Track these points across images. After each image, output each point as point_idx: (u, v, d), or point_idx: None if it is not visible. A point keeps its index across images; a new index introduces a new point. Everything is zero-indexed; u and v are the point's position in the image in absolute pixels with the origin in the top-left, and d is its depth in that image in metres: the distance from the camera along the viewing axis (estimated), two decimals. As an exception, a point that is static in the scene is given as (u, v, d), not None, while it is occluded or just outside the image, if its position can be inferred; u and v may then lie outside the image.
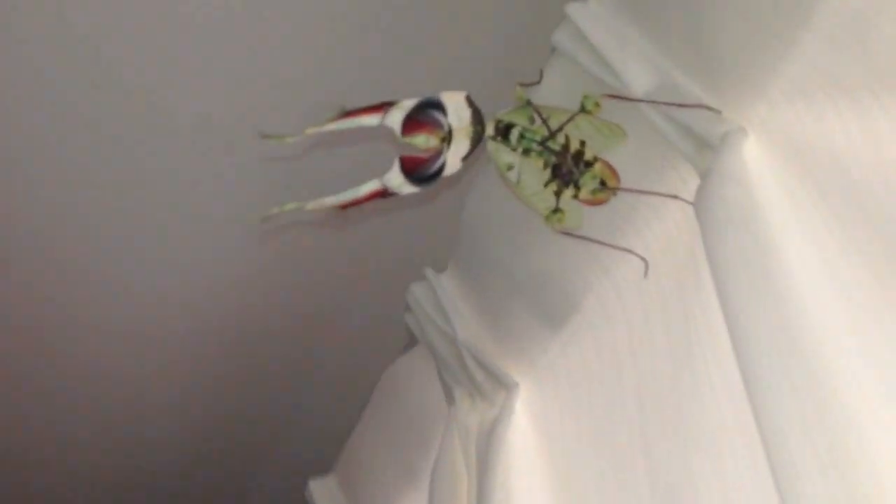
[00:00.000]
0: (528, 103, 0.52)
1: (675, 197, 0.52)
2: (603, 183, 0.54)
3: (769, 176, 0.48)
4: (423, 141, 0.48)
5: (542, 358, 0.68)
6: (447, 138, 0.49)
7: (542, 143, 0.52)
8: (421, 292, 0.76)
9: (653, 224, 0.56)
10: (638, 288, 0.58)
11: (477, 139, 0.51)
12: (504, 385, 0.70)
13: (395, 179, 0.48)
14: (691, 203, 0.51)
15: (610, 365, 0.59)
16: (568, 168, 0.54)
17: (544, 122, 0.53)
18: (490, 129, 0.52)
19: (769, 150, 0.49)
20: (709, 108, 0.51)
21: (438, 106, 0.48)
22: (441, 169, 0.50)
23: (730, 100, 0.51)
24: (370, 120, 0.46)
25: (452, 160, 0.50)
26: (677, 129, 0.52)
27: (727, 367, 0.45)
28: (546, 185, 0.54)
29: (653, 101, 0.52)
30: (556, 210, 0.54)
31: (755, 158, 0.49)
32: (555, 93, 0.58)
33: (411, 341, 0.84)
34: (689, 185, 0.53)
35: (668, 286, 0.55)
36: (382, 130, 0.46)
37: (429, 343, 0.77)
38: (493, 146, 0.53)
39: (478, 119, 0.50)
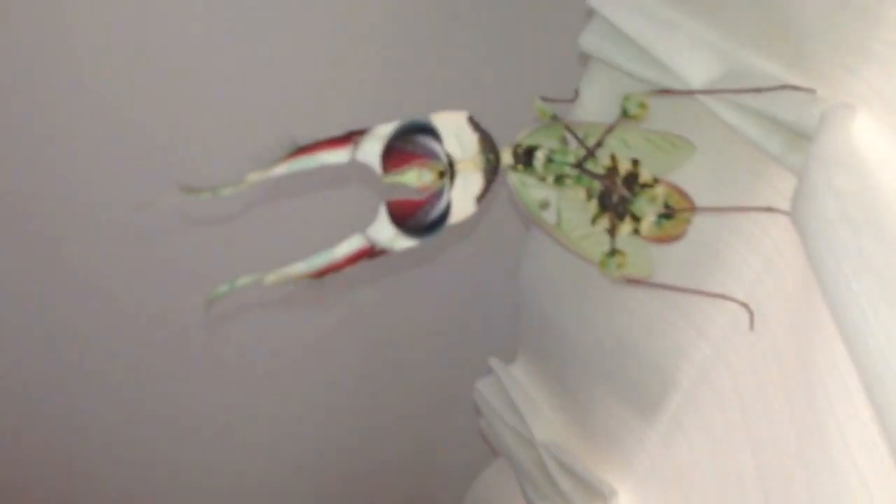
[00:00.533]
0: (555, 119, 0.40)
1: (770, 209, 0.39)
2: (669, 208, 0.41)
3: (890, 158, 0.34)
4: (415, 177, 0.37)
5: (640, 454, 0.53)
6: (448, 172, 0.38)
7: (579, 165, 0.40)
8: (489, 390, 0.64)
9: (747, 255, 0.42)
10: (744, 344, 0.44)
11: (492, 171, 0.39)
12: (598, 494, 0.55)
13: (384, 232, 0.37)
14: (791, 213, 0.37)
15: (723, 450, 0.44)
16: (619, 195, 0.41)
17: (579, 140, 0.41)
18: (507, 157, 0.40)
19: (886, 126, 0.35)
20: (797, 88, 0.38)
21: (429, 131, 0.37)
22: (446, 213, 0.38)
23: (821, 75, 0.38)
24: (336, 156, 0.36)
25: (462, 201, 0.38)
26: (758, 121, 0.39)
27: (870, 428, 0.31)
28: (594, 220, 0.42)
29: (719, 91, 0.39)
30: (613, 252, 0.41)
31: (868, 139, 0.35)
32: (595, 112, 0.46)
33: (495, 450, 0.71)
34: (783, 192, 0.39)
35: (780, 334, 0.40)
36: (356, 169, 0.35)
37: (506, 451, 0.63)
38: (515, 179, 0.41)
39: (488, 145, 0.39)
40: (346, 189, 0.41)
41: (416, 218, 0.37)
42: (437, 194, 0.38)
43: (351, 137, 0.36)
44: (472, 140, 0.38)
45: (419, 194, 0.37)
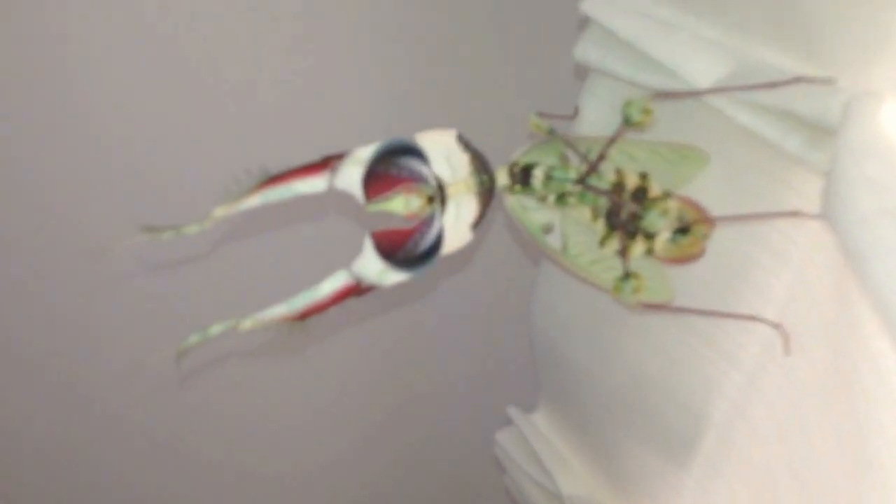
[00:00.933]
0: (552, 133, 0.37)
1: (796, 214, 0.35)
2: (684, 223, 0.37)
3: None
4: (402, 204, 0.33)
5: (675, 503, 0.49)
6: (438, 196, 0.34)
7: (581, 181, 0.37)
8: (509, 441, 0.59)
9: (775, 270, 0.38)
10: (780, 370, 0.40)
11: (487, 193, 0.36)
12: (634, 550, 0.50)
13: (371, 267, 0.34)
14: (820, 216, 0.33)
15: (765, 488, 0.40)
16: (629, 211, 0.37)
17: (580, 154, 0.37)
18: (503, 177, 0.36)
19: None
20: (814, 80, 0.35)
21: (414, 152, 0.34)
22: (438, 242, 0.34)
23: (840, 66, 0.35)
24: (312, 184, 0.32)
25: (455, 228, 0.35)
26: (773, 119, 0.36)
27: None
28: (603, 242, 0.38)
29: (728, 90, 0.36)
30: (627, 276, 0.37)
31: (899, 126, 0.32)
32: (597, 128, 0.43)
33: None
34: (807, 195, 0.36)
35: (818, 354, 0.36)
36: (335, 197, 0.32)
37: (532, 508, 0.58)
38: (513, 201, 0.37)
39: (481, 165, 0.36)
40: (324, 221, 0.37)
41: (405, 249, 0.34)
42: (428, 222, 0.34)
43: (327, 163, 0.32)
44: (462, 161, 0.35)
45: (407, 223, 0.34)
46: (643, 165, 0.39)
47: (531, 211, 0.38)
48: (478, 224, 0.36)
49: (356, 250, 0.33)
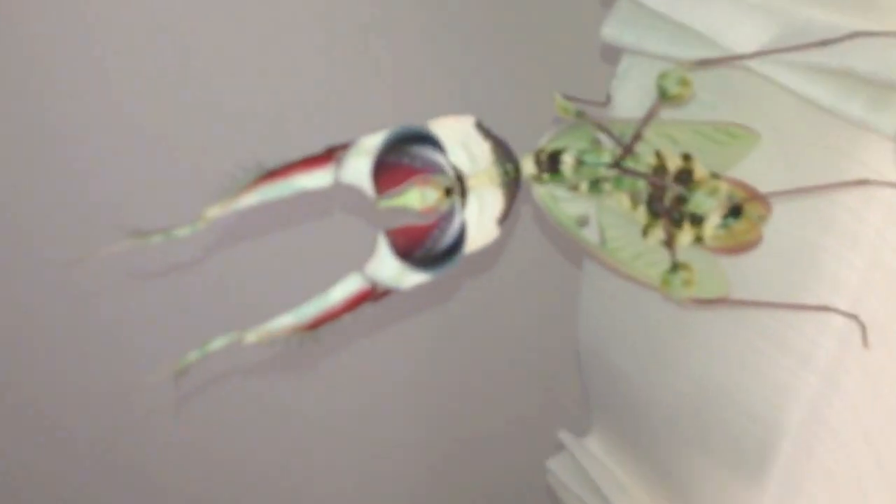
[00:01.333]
0: (581, 115, 0.34)
1: (865, 182, 0.31)
2: (736, 205, 0.33)
3: None
4: (418, 198, 0.30)
5: (751, 525, 0.44)
6: (456, 188, 0.31)
7: (617, 164, 0.33)
8: (562, 468, 0.55)
9: (844, 253, 0.34)
10: (858, 365, 0.35)
11: (512, 184, 0.32)
12: (707, 580, 0.45)
13: (387, 268, 0.30)
14: (893, 183, 0.29)
15: (854, 499, 0.35)
16: (673, 195, 0.34)
17: (613, 137, 0.34)
18: (529, 166, 0.33)
19: None
20: (873, 34, 0.31)
21: (427, 140, 0.31)
22: (461, 238, 0.31)
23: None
24: (315, 178, 0.29)
25: (479, 223, 0.32)
26: (830, 82, 0.32)
27: None
28: (646, 232, 0.34)
29: (776, 52, 0.32)
30: (676, 267, 0.33)
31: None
32: (634, 114, 0.39)
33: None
34: (874, 166, 0.31)
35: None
36: (342, 193, 0.29)
37: (593, 540, 0.54)
38: (542, 192, 0.34)
39: (504, 153, 0.32)
40: (331, 220, 0.34)
41: (424, 247, 0.31)
42: (447, 216, 0.31)
43: (331, 154, 0.29)
44: (483, 149, 0.32)
45: (425, 218, 0.31)
46: (686, 148, 0.35)
47: (562, 202, 0.34)
48: (504, 218, 0.32)
49: (368, 251, 0.30)
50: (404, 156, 0.30)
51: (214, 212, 0.28)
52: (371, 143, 0.30)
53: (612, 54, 0.39)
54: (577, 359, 0.49)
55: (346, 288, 0.30)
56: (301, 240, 0.44)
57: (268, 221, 0.42)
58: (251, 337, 0.29)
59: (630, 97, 0.39)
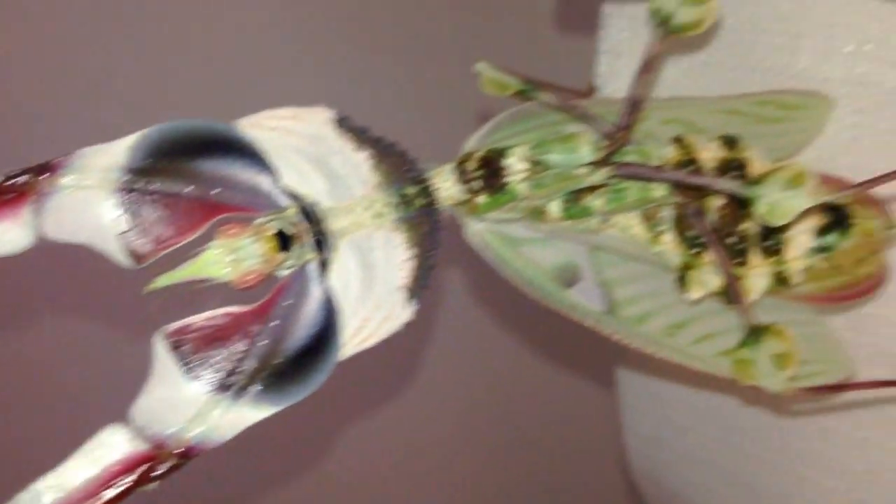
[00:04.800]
0: (529, 92, 0.19)
1: None
2: (840, 211, 0.18)
3: None
4: (222, 260, 0.15)
5: None
6: (305, 235, 0.16)
7: (608, 160, 0.18)
8: None
9: None
10: None
11: (420, 220, 0.17)
12: None
13: (178, 405, 0.15)
14: None
15: None
16: (724, 204, 0.19)
17: (590, 120, 0.19)
18: (448, 185, 0.18)
19: None
20: None
21: (236, 150, 0.16)
22: (326, 329, 0.16)
23: None
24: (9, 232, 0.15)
25: (366, 295, 0.16)
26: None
27: None
28: (685, 278, 0.19)
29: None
30: (756, 334, 0.18)
31: None
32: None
33: None
34: None
35: None
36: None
37: None
38: (482, 233, 0.19)
39: (397, 168, 0.17)
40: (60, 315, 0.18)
41: (250, 355, 0.16)
42: (291, 288, 0.16)
43: (23, 191, 0.15)
44: (356, 165, 0.17)
45: (245, 298, 0.16)
46: (715, 123, 0.20)
47: (527, 245, 0.19)
48: (419, 283, 0.17)
49: (133, 380, 0.15)
50: (186, 181, 0.16)
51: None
52: (110, 161, 0.15)
53: (572, 18, 0.25)
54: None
55: (102, 459, 0.15)
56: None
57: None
58: None
59: (623, 78, 0.24)
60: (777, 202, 0.16)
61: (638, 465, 0.31)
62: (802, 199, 0.16)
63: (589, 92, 0.25)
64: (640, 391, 0.29)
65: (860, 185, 0.19)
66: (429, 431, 0.45)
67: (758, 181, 0.17)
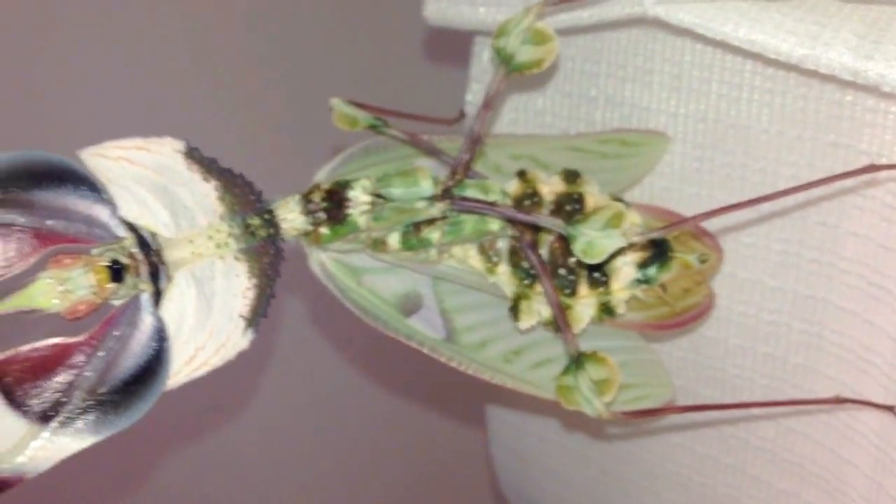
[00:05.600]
0: (380, 128, 0.20)
1: (872, 169, 0.17)
2: (660, 244, 0.19)
3: None
4: (51, 291, 0.16)
5: None
6: (140, 265, 0.16)
7: (447, 193, 0.19)
8: None
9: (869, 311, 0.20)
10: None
11: (263, 250, 0.18)
12: None
13: None
14: None
15: None
16: (554, 238, 0.20)
17: (434, 152, 0.20)
18: (292, 215, 0.19)
19: None
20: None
21: (70, 180, 0.16)
22: (156, 360, 0.16)
23: None
24: None
25: (201, 324, 0.17)
26: (778, 16, 0.19)
27: None
28: (518, 307, 0.20)
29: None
30: (579, 362, 0.19)
31: None
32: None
33: None
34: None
35: None
36: None
37: None
38: (324, 262, 0.19)
39: (242, 198, 0.18)
40: None
41: (76, 384, 0.16)
42: (123, 318, 0.16)
43: None
44: (202, 194, 0.18)
45: (74, 329, 0.16)
46: (547, 158, 0.22)
47: (369, 274, 0.20)
48: (258, 311, 0.18)
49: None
50: (20, 210, 0.16)
51: None
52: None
53: (444, 47, 0.26)
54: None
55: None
56: None
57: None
58: None
59: (505, 110, 0.25)
60: (593, 241, 0.18)
61: (504, 479, 0.32)
62: (615, 240, 0.17)
63: (458, 119, 0.26)
64: (499, 411, 0.30)
65: (684, 220, 0.20)
66: (263, 458, 0.45)
67: (579, 221, 0.18)
